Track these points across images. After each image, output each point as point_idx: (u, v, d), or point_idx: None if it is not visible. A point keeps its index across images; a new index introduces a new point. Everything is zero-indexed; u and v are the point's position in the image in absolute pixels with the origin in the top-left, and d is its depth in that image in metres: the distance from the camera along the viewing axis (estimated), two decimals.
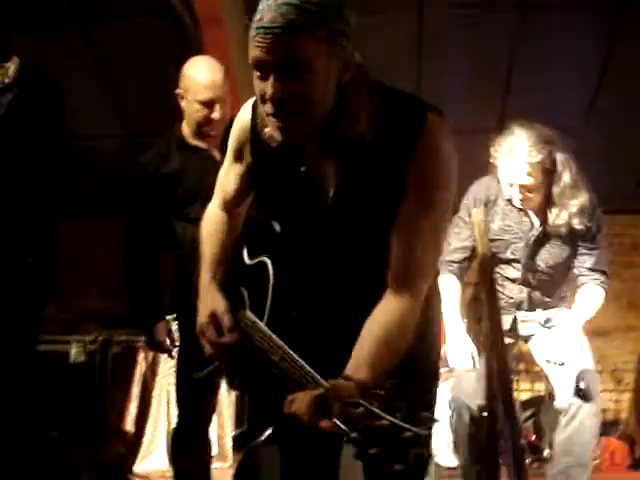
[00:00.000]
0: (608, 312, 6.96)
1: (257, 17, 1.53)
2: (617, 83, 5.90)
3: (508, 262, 3.25)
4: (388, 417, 1.23)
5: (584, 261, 3.24)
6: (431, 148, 1.60)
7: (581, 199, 3.13)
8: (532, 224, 3.20)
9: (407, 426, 1.22)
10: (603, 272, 3.25)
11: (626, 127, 6.19)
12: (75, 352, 5.72)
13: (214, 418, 4.91)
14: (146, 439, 4.98)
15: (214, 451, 4.94)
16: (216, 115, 2.97)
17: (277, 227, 1.88)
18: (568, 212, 3.11)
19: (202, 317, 1.85)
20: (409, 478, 1.42)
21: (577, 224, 3.12)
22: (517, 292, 3.28)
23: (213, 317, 1.83)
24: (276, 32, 1.48)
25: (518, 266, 3.24)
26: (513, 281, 3.27)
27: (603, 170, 6.13)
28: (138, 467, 4.84)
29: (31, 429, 2.43)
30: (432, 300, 1.86)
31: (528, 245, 3.19)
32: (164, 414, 5.08)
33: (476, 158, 6.37)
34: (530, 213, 3.20)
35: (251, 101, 1.79)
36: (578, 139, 5.87)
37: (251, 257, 1.96)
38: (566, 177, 3.12)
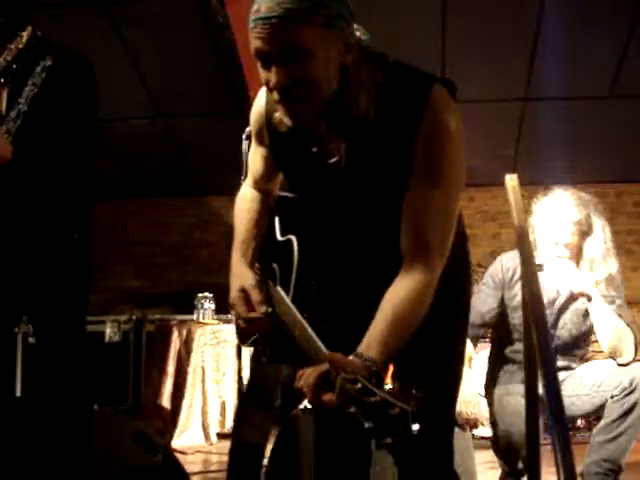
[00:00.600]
0: (639, 281, 7.00)
1: (255, 8, 1.54)
2: None
3: None
4: (380, 392, 1.26)
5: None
6: (436, 122, 1.61)
7: (611, 268, 3.12)
8: (558, 291, 3.15)
9: (396, 402, 1.25)
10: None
11: None
12: (110, 332, 5.83)
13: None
14: (182, 415, 5.03)
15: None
16: None
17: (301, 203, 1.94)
18: (596, 278, 3.09)
19: (233, 292, 1.88)
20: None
21: (603, 291, 3.09)
22: None
23: (243, 292, 1.85)
24: (274, 22, 1.51)
25: None
26: None
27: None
28: (175, 442, 4.90)
29: (77, 403, 2.47)
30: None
31: (553, 313, 3.11)
32: (199, 390, 5.14)
33: (501, 125, 6.36)
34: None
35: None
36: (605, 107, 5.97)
37: (283, 234, 1.99)
38: (600, 242, 3.13)
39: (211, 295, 5.43)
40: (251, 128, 1.93)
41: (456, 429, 2.04)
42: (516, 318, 3.11)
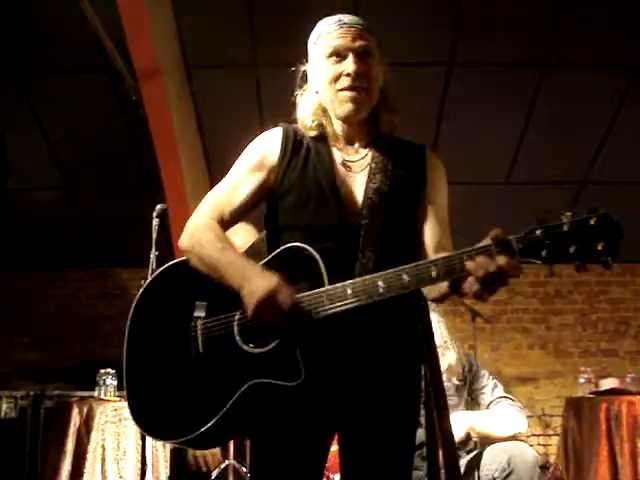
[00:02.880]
0: (535, 358, 7.27)
1: (334, 20, 2.03)
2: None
3: None
4: (565, 219, 1.66)
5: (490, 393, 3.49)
6: (435, 156, 2.11)
7: (449, 358, 3.39)
8: None
9: (587, 215, 1.68)
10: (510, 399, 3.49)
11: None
12: (6, 408, 5.61)
13: (149, 470, 4.90)
14: None
15: None
16: None
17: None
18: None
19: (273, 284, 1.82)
20: None
21: (446, 381, 3.32)
22: None
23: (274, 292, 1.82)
24: (356, 27, 2.01)
25: None
26: None
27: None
28: None
29: None
30: None
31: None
32: (99, 470, 4.96)
33: None
34: None
35: (274, 128, 2.10)
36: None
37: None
38: (437, 337, 3.34)
39: (113, 371, 5.32)
40: (246, 160, 2.06)
41: None
42: None
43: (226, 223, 2.04)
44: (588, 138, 6.31)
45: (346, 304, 1.78)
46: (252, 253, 2.05)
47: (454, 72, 5.76)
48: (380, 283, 1.76)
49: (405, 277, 1.75)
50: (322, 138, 2.07)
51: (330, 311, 1.79)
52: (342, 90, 1.99)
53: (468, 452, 3.38)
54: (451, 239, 2.05)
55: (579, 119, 6.05)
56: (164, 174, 5.45)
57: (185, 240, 2.02)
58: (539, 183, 6.61)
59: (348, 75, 1.97)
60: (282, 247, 1.94)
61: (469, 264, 1.69)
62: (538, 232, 1.67)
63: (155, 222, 3.71)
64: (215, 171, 6.14)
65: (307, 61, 2.12)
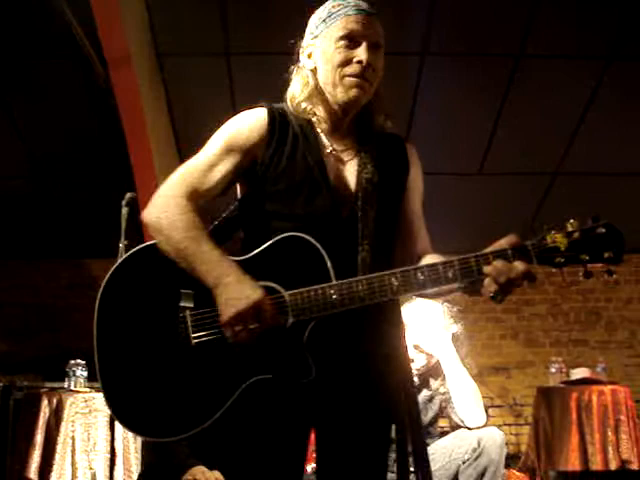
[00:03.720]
0: (507, 349, 7.32)
1: (351, 3, 1.96)
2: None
3: None
4: (572, 227, 1.75)
5: None
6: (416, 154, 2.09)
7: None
8: None
9: (593, 225, 1.76)
10: None
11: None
12: None
13: (120, 461, 4.87)
14: None
15: None
16: None
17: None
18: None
19: (256, 296, 1.76)
20: None
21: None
22: None
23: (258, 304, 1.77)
24: (372, 14, 1.96)
25: None
26: None
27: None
28: None
29: None
30: None
31: None
32: (69, 462, 4.92)
33: None
34: None
35: (258, 108, 2.00)
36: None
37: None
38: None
39: (83, 362, 5.27)
40: (226, 140, 1.95)
41: None
42: None
43: (197, 202, 1.92)
44: (560, 130, 6.35)
45: (358, 301, 1.76)
46: (217, 233, 2.00)
47: (426, 62, 5.76)
48: (394, 281, 1.77)
49: (420, 276, 1.77)
50: (308, 122, 2.00)
51: (337, 309, 1.77)
52: (350, 76, 1.92)
53: (440, 436, 3.40)
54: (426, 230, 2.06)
55: (551, 111, 6.08)
56: (134, 163, 5.39)
57: (153, 215, 1.90)
58: (511, 174, 6.63)
59: (359, 62, 1.91)
60: (278, 237, 1.85)
61: (488, 269, 1.74)
62: (551, 239, 1.75)
63: (124, 211, 3.66)
64: (186, 159, 6.06)
65: (302, 38, 2.03)
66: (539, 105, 6.05)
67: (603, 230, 1.74)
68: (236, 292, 1.75)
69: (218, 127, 2.01)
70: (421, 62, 5.78)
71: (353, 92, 1.92)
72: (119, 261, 1.94)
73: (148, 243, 1.92)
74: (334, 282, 1.78)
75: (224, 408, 1.76)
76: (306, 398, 1.86)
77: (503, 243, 1.77)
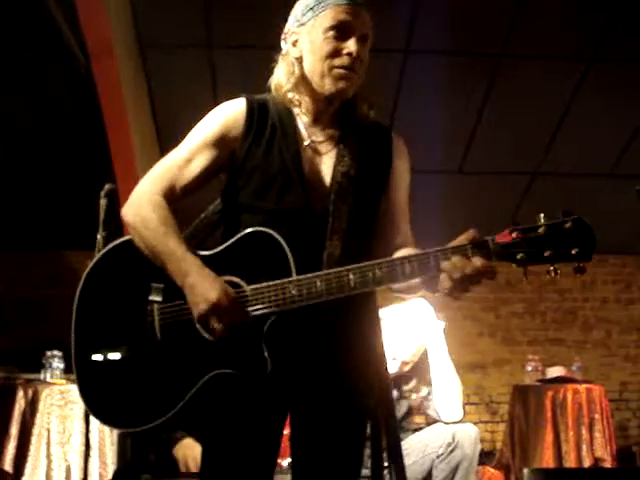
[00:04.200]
0: (484, 346, 7.36)
1: None
2: None
3: None
4: (541, 223, 1.65)
5: None
6: (403, 145, 2.05)
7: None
8: None
9: (563, 219, 1.65)
10: None
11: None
12: None
13: (95, 454, 4.84)
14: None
15: None
16: None
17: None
18: None
19: (219, 293, 1.75)
20: None
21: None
22: None
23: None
24: (361, 5, 1.92)
25: None
26: None
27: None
28: None
29: None
30: None
31: None
32: (44, 454, 4.89)
33: None
34: None
35: (237, 99, 1.98)
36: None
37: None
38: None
39: (60, 353, 5.23)
40: (205, 133, 1.95)
41: None
42: None
43: (176, 197, 1.93)
44: (540, 130, 6.39)
45: (316, 296, 1.74)
46: (203, 226, 2.00)
47: (409, 60, 5.77)
48: (351, 276, 1.73)
49: (378, 272, 1.72)
50: (289, 112, 1.98)
51: (296, 305, 1.75)
52: (338, 67, 1.89)
53: (414, 431, 3.42)
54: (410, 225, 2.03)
55: (532, 111, 6.11)
56: (114, 154, 5.36)
57: (129, 213, 1.91)
58: (491, 173, 6.66)
59: (349, 55, 1.88)
60: (244, 231, 1.85)
61: (445, 264, 1.68)
62: (514, 235, 1.66)
63: (103, 202, 3.63)
64: (167, 151, 6.02)
65: (286, 22, 2.00)
66: (520, 105, 6.08)
67: (569, 225, 1.64)
68: (196, 294, 1.76)
69: (199, 119, 2.00)
70: (404, 59, 5.79)
71: (341, 84, 1.89)
72: (98, 255, 1.95)
73: (127, 237, 1.93)
74: (294, 277, 1.76)
75: (184, 401, 1.77)
76: (275, 393, 1.86)
77: (463, 239, 1.71)
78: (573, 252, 1.63)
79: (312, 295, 1.74)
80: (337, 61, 1.88)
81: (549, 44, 5.69)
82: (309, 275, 1.75)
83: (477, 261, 1.66)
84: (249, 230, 1.84)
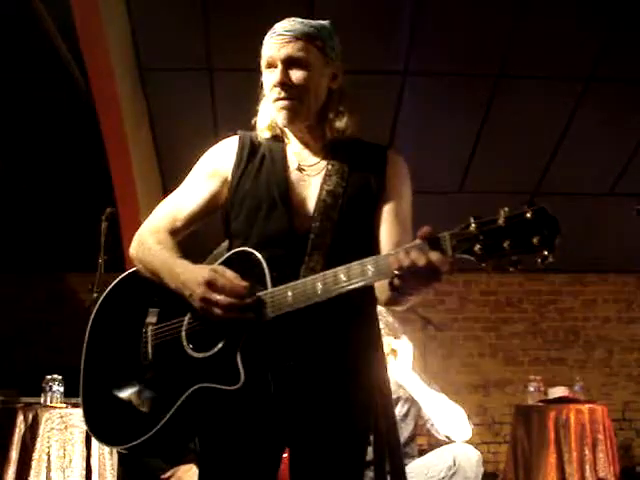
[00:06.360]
0: (485, 367, 7.34)
1: (271, 31, 1.98)
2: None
3: None
4: (501, 215, 1.59)
5: None
6: (398, 158, 2.08)
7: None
8: None
9: (523, 209, 1.57)
10: None
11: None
12: None
13: (95, 479, 4.81)
14: None
15: None
16: None
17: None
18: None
19: (205, 273, 1.81)
20: None
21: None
22: None
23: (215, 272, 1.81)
24: (286, 35, 1.95)
25: None
26: None
27: None
28: None
29: None
30: None
31: None
32: (44, 479, 4.86)
33: None
34: None
35: (231, 137, 2.09)
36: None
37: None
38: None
39: (60, 377, 5.22)
40: (202, 167, 2.07)
41: None
42: None
43: (178, 229, 2.03)
44: (539, 150, 6.41)
45: (287, 306, 1.75)
46: (212, 261, 2.03)
47: (408, 81, 5.80)
48: (319, 284, 1.73)
49: (342, 276, 1.71)
50: (279, 143, 2.06)
51: (271, 315, 1.76)
52: (275, 100, 1.97)
53: (419, 455, 3.41)
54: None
55: (531, 131, 6.14)
56: (115, 177, 5.38)
57: (133, 248, 2.03)
58: (491, 192, 6.67)
59: (275, 86, 1.95)
60: (229, 253, 1.92)
61: (393, 258, 1.65)
62: (472, 227, 1.61)
63: (104, 225, 3.65)
64: (168, 174, 6.08)
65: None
66: (518, 125, 6.10)
67: (530, 215, 1.56)
68: (189, 286, 1.82)
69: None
70: (402, 81, 5.82)
71: (282, 115, 1.97)
72: (108, 288, 2.08)
73: (132, 270, 2.06)
74: (269, 290, 1.78)
75: (166, 418, 1.80)
76: (275, 408, 1.86)
77: (417, 236, 1.68)
78: (534, 241, 1.53)
79: (283, 305, 1.76)
80: (272, 95, 1.97)
81: (547, 64, 5.72)
82: (281, 287, 1.77)
83: (433, 255, 1.62)
84: (231, 252, 1.92)
